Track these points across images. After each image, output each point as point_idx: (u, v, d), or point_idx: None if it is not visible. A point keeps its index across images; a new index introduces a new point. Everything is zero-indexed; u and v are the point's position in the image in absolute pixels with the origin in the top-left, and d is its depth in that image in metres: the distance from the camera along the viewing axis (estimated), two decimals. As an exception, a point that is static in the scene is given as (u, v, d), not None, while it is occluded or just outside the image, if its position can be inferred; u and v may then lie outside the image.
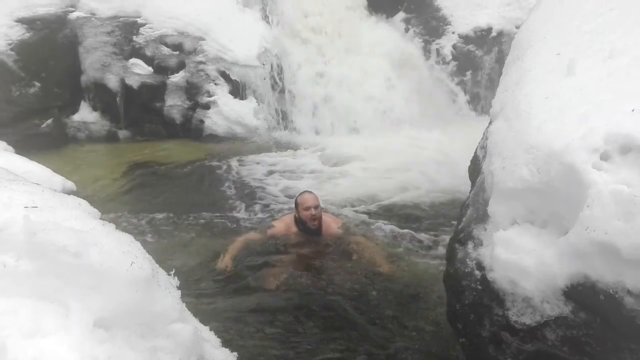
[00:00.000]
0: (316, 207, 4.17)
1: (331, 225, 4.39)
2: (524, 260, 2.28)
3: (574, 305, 2.16)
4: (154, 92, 8.95)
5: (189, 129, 8.90)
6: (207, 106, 8.85)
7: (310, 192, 4.40)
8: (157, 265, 1.99)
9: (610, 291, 2.01)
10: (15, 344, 1.47)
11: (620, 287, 1.99)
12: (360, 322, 3.37)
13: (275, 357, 3.02)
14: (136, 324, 1.73)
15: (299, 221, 4.27)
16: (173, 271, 2.09)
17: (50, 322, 1.58)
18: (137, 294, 1.74)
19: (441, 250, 4.30)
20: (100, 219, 2.15)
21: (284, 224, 4.42)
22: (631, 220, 1.92)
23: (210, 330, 2.21)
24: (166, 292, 1.89)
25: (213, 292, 3.74)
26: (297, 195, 4.47)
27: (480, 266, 2.53)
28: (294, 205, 4.39)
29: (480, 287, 2.50)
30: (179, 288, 2.02)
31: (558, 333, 2.19)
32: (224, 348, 2.16)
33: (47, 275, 1.64)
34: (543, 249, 2.25)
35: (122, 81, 8.93)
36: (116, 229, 2.04)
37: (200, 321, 2.18)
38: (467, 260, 2.63)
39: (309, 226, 4.20)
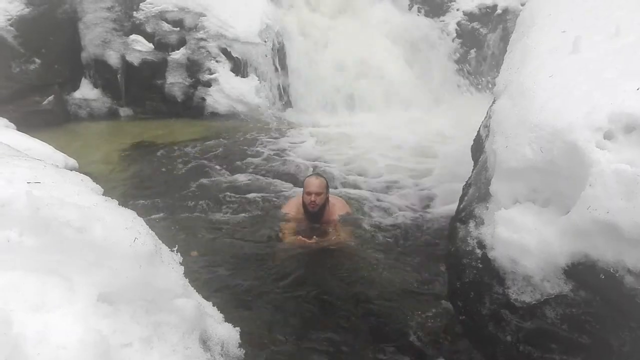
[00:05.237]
0: (318, 193, 4.18)
1: (334, 212, 4.39)
2: (525, 239, 2.29)
3: (574, 283, 2.17)
4: (155, 69, 8.90)
5: (191, 107, 8.87)
6: (208, 84, 8.81)
7: (318, 176, 4.40)
8: (160, 242, 2.00)
9: (611, 270, 2.02)
10: (20, 318, 1.49)
11: (620, 266, 2.00)
12: (360, 303, 3.39)
13: (276, 333, 3.05)
14: (140, 298, 1.74)
15: (303, 202, 4.30)
16: (176, 247, 2.10)
17: (54, 296, 1.59)
18: (141, 269, 1.76)
19: (443, 228, 4.31)
20: (103, 195, 2.15)
21: (294, 208, 4.46)
22: (633, 199, 1.92)
23: (213, 305, 2.23)
24: (169, 268, 1.91)
25: (216, 268, 3.77)
26: (306, 175, 4.47)
27: (481, 245, 2.54)
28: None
29: (481, 266, 2.51)
30: (181, 264, 2.04)
31: (558, 311, 2.20)
32: (226, 323, 2.17)
33: (51, 250, 1.65)
34: (544, 228, 2.25)
35: (123, 58, 8.88)
36: (118, 205, 2.04)
37: (203, 297, 2.19)
38: (469, 239, 2.64)
39: (307, 208, 4.26)
